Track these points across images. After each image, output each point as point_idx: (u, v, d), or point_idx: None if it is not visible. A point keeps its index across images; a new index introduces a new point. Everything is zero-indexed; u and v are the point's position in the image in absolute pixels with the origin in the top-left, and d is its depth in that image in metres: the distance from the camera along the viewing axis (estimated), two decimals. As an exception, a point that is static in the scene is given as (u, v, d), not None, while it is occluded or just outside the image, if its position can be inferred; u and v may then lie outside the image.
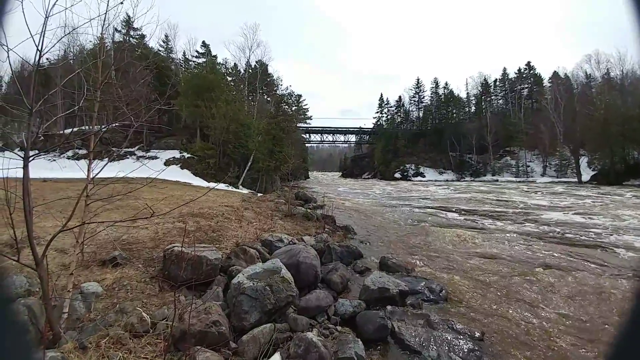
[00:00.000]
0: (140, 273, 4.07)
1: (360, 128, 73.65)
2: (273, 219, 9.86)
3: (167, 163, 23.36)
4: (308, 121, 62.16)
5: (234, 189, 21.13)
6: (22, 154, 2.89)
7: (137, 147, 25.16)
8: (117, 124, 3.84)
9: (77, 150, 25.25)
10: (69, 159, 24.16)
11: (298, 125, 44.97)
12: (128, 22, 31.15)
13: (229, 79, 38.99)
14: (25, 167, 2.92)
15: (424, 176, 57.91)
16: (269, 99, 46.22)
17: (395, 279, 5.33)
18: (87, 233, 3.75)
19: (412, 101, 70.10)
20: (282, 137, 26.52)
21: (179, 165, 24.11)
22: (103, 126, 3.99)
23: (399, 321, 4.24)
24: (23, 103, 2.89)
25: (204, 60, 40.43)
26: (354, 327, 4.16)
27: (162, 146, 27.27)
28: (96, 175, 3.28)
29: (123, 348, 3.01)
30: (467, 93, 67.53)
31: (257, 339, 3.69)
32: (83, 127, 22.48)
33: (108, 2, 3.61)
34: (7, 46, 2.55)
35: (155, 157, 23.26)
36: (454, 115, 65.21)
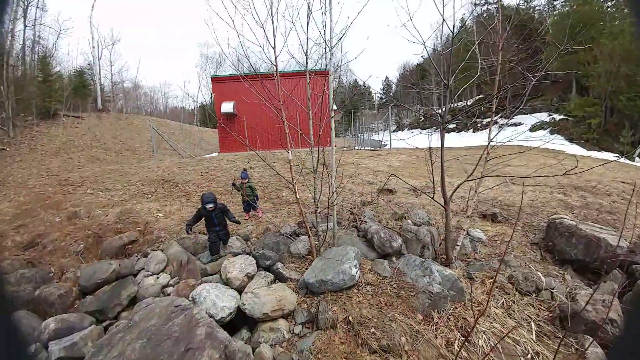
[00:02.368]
0: (519, 235, 4.09)
1: None
2: None
3: (533, 129, 20.85)
4: None
5: (629, 162, 14.26)
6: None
7: (499, 115, 24.95)
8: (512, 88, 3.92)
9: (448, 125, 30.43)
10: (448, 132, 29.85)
11: None
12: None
13: (609, 3, 24.92)
14: (442, 131, 3.95)
15: None
16: None
17: None
18: (472, 189, 4.44)
19: None
20: None
21: (547, 130, 20.62)
22: (472, 99, 4.30)
23: None
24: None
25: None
26: None
27: (526, 110, 24.74)
28: (493, 139, 3.66)
29: (505, 295, 3.26)
30: None
31: None
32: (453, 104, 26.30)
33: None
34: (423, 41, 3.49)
35: (519, 124, 21.61)
36: None
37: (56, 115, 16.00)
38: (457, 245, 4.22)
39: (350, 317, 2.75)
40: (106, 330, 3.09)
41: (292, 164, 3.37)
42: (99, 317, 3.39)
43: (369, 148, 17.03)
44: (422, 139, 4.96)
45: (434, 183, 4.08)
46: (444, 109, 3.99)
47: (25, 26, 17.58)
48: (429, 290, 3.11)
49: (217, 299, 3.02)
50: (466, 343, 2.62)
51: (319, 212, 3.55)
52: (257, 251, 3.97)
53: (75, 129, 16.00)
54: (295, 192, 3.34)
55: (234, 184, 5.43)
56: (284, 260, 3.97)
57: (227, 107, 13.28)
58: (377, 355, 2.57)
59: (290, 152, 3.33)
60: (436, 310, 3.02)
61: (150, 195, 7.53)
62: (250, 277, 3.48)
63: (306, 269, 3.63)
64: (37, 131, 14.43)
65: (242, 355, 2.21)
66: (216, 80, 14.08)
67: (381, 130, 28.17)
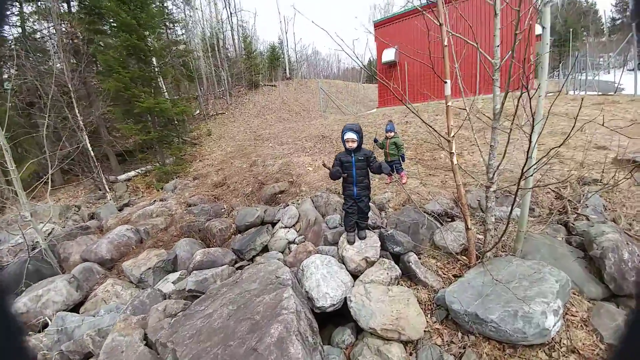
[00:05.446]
0: None
1: None
2: None
3: None
4: None
5: None
6: None
7: None
8: None
9: None
10: None
11: None
12: None
13: None
14: None
15: None
16: None
17: None
18: None
19: None
20: None
21: None
22: None
23: None
24: None
25: None
26: None
27: None
28: None
29: None
30: None
31: None
32: None
33: None
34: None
35: None
36: None
37: (258, 85, 20.58)
38: None
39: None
40: (238, 270, 3.30)
41: (449, 105, 1.95)
42: (240, 256, 3.72)
43: (595, 92, 10.82)
44: None
45: None
46: None
47: (230, 14, 23.15)
48: None
49: (323, 281, 2.40)
50: None
51: (495, 190, 1.99)
52: (387, 230, 2.99)
53: (271, 95, 20.01)
54: (451, 151, 1.96)
55: (375, 140, 4.35)
56: (421, 250, 2.79)
57: (388, 54, 11.90)
58: None
59: (447, 82, 1.92)
60: None
61: (308, 150, 8.00)
62: (370, 263, 2.62)
63: (454, 276, 2.31)
64: (246, 98, 19.23)
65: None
66: (378, 25, 12.71)
67: (615, 67, 17.67)
